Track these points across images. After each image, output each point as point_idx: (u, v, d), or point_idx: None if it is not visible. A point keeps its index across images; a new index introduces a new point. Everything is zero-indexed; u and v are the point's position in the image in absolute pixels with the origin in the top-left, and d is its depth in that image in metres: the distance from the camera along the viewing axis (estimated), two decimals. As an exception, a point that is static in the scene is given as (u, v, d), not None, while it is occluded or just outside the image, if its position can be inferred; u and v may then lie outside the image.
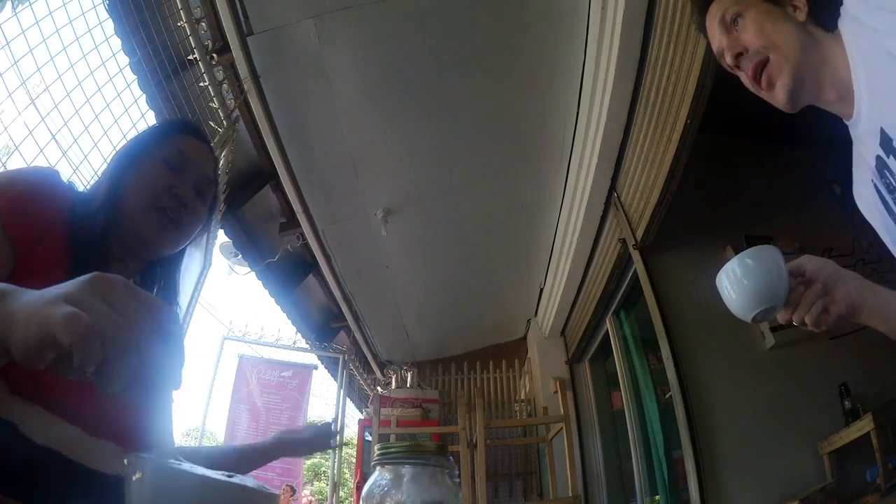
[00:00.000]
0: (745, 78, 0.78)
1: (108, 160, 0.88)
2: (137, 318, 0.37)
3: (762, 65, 0.74)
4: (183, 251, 0.90)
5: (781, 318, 0.75)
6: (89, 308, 0.35)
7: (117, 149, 0.89)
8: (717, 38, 0.81)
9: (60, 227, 0.71)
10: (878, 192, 0.73)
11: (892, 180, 0.68)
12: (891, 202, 0.70)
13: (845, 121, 0.75)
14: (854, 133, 0.75)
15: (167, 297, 0.89)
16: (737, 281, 0.76)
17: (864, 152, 0.74)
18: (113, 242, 0.79)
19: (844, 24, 0.70)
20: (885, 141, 0.67)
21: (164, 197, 0.81)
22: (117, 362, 0.34)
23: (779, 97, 0.75)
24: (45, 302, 0.35)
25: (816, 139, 1.97)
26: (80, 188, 0.83)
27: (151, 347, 0.37)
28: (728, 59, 0.79)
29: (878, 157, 0.70)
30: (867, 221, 0.78)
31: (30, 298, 0.37)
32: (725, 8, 0.79)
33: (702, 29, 0.86)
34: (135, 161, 0.83)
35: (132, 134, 1.74)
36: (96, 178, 0.89)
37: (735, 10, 0.78)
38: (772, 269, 0.74)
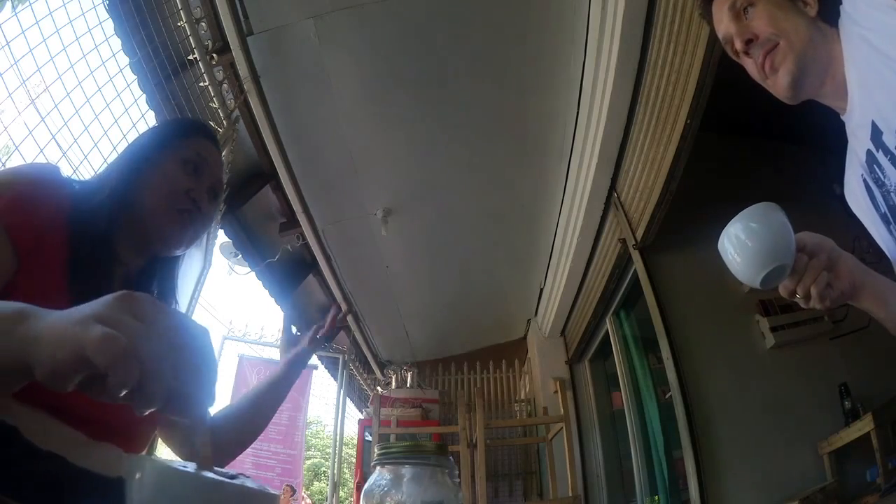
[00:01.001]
0: (752, 66, 0.78)
1: (121, 151, 0.86)
2: (171, 334, 0.36)
3: (771, 51, 0.75)
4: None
5: (785, 289, 0.71)
6: (124, 328, 0.33)
7: (132, 141, 0.88)
8: (725, 25, 0.81)
9: (62, 226, 0.70)
10: (867, 186, 0.73)
11: (880, 174, 0.68)
12: (879, 197, 0.70)
13: (842, 116, 0.75)
14: (848, 128, 0.75)
15: (166, 295, 0.88)
16: (740, 244, 0.71)
17: (856, 147, 0.74)
18: (119, 240, 0.78)
19: (841, 22, 0.71)
20: (875, 134, 0.67)
21: (182, 199, 0.81)
22: (154, 382, 0.33)
23: (781, 83, 0.75)
24: (75, 322, 0.34)
25: (817, 139, 1.97)
26: (84, 180, 0.81)
27: (186, 364, 0.36)
28: (738, 45, 0.79)
29: (868, 151, 0.70)
30: None
31: (57, 319, 0.36)
32: None
33: (706, 16, 0.86)
34: (151, 158, 0.82)
35: (132, 134, 1.74)
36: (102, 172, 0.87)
37: None
38: (777, 226, 0.71)
